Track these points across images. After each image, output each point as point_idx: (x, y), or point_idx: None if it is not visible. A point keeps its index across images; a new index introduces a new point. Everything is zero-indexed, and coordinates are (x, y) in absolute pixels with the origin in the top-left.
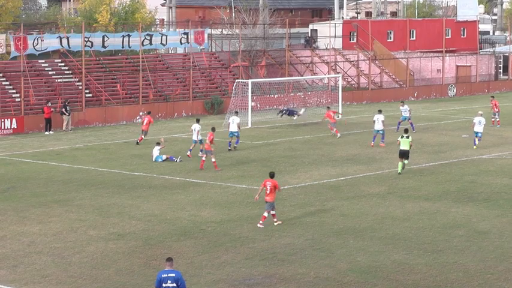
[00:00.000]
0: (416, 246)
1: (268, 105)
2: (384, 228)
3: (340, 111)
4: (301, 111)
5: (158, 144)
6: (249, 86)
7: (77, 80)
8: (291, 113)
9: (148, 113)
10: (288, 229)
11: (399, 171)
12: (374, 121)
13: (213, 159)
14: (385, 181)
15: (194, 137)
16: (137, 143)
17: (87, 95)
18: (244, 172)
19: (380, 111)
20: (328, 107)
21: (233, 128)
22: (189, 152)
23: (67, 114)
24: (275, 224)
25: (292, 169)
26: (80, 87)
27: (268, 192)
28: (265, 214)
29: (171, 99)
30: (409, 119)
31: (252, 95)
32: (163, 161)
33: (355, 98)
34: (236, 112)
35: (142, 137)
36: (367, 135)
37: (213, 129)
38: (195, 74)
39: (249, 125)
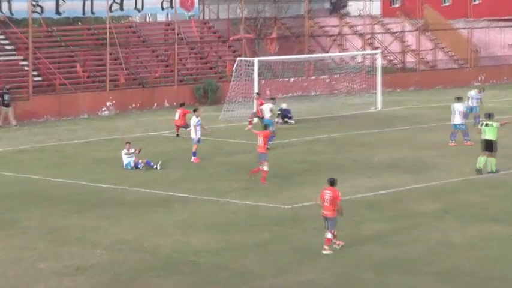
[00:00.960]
0: (482, 282)
1: (281, 93)
2: (439, 259)
3: (377, 102)
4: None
5: (129, 143)
6: (255, 66)
7: (22, 58)
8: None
9: (181, 105)
10: (309, 261)
11: (478, 166)
12: (453, 112)
13: (266, 168)
14: (440, 196)
15: (193, 134)
16: (177, 135)
17: (35, 79)
18: (248, 183)
19: (459, 99)
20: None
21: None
22: (193, 157)
23: (7, 104)
24: (336, 246)
25: (314, 180)
26: (26, 68)
27: (327, 205)
28: (329, 235)
29: (148, 85)
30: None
31: (259, 79)
32: (137, 168)
33: (399, 83)
34: (273, 99)
35: (178, 133)
36: (414, 133)
37: (267, 126)
38: (182, 51)
39: (255, 120)
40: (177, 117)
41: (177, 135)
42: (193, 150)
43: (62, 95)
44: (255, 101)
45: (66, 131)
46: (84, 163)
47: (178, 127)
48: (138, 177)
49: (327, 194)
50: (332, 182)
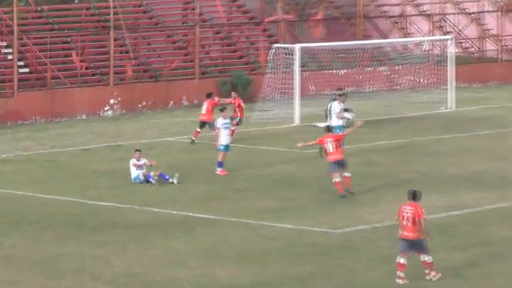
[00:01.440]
0: None
1: (328, 88)
2: None
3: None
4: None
5: (138, 151)
6: (295, 55)
7: (5, 44)
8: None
9: (209, 95)
10: None
11: None
12: None
13: (348, 174)
14: None
15: (223, 140)
16: (192, 142)
17: (21, 70)
18: (288, 202)
19: None
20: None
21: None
22: (219, 169)
23: None
24: (431, 278)
25: (371, 197)
26: (10, 57)
27: (408, 224)
28: (402, 260)
29: (163, 78)
30: None
31: (301, 70)
32: (148, 182)
33: (476, 76)
34: (343, 93)
35: (199, 130)
36: (496, 140)
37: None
38: (205, 35)
39: (296, 122)
40: (203, 111)
41: (193, 141)
42: (219, 159)
43: (55, 90)
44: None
45: (59, 136)
46: (81, 176)
47: (202, 124)
48: (149, 193)
49: (408, 211)
50: (414, 196)
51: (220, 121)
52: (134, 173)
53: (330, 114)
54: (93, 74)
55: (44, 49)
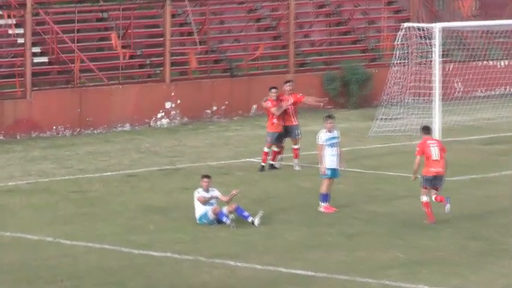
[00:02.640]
0: None
1: (482, 88)
2: None
3: None
4: None
5: (207, 178)
6: (435, 39)
7: (14, 22)
8: None
9: (275, 88)
10: None
11: None
12: None
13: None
14: None
15: (328, 162)
16: (262, 168)
17: (37, 59)
18: (423, 252)
19: None
20: None
21: None
22: (323, 204)
23: None
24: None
25: None
26: (21, 41)
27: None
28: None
29: (242, 71)
30: None
31: (443, 61)
32: (221, 223)
33: None
34: None
35: (266, 151)
36: None
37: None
38: (303, 10)
39: (436, 136)
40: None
41: (263, 167)
42: (323, 191)
43: (85, 89)
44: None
45: (91, 156)
46: (123, 214)
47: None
48: (222, 239)
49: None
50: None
51: (323, 135)
52: (200, 209)
53: None
54: (141, 66)
55: (69, 29)
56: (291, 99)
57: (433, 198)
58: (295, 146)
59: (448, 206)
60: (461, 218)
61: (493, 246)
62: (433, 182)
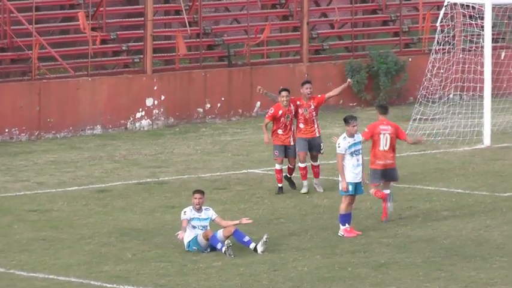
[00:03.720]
0: None
1: None
2: None
3: None
4: None
5: (199, 194)
6: (485, 19)
7: None
8: None
9: (285, 91)
10: None
11: None
12: None
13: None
14: None
15: (349, 176)
16: (280, 190)
17: None
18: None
19: None
20: None
21: None
22: (343, 227)
23: None
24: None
25: None
26: None
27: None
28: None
29: (242, 60)
30: None
31: (495, 47)
32: (215, 250)
33: None
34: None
35: (277, 168)
36: None
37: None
38: None
39: (487, 141)
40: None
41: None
42: (342, 211)
43: (46, 83)
44: None
45: (53, 165)
46: (92, 238)
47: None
48: (216, 271)
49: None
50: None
51: (343, 142)
52: (189, 233)
53: None
54: (117, 53)
55: (26, 6)
56: (312, 105)
57: (372, 192)
58: (316, 163)
59: (389, 205)
60: None
61: None
62: (385, 176)
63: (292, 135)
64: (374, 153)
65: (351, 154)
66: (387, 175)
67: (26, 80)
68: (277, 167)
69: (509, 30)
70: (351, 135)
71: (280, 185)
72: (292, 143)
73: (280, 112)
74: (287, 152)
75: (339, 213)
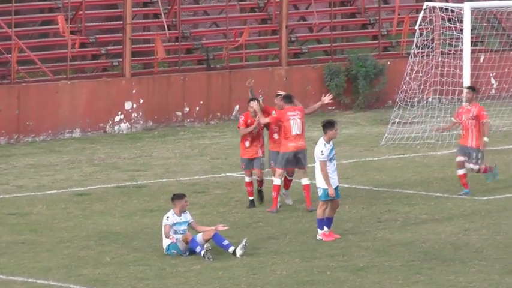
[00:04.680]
0: None
1: None
2: None
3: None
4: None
5: (178, 200)
6: (464, 22)
7: None
8: None
9: (252, 101)
10: None
11: None
12: None
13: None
14: None
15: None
16: (251, 204)
17: None
18: None
19: None
20: None
21: None
22: (321, 231)
23: None
24: None
25: None
26: None
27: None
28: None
29: (221, 64)
30: None
31: (474, 50)
32: (195, 253)
33: None
34: None
35: (247, 181)
36: None
37: None
38: None
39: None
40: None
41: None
42: (319, 215)
43: (25, 86)
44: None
45: (32, 169)
46: (71, 242)
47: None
48: (195, 275)
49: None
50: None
51: (326, 149)
52: (167, 241)
53: None
54: (96, 57)
55: (4, 9)
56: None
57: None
58: (290, 178)
59: (288, 200)
60: (495, 248)
61: None
62: (295, 160)
63: (261, 146)
64: (286, 138)
65: (330, 160)
66: (299, 157)
67: (5, 84)
68: (246, 179)
69: (488, 34)
70: (329, 141)
71: (250, 198)
72: (260, 154)
73: (249, 121)
74: (254, 163)
75: (316, 217)
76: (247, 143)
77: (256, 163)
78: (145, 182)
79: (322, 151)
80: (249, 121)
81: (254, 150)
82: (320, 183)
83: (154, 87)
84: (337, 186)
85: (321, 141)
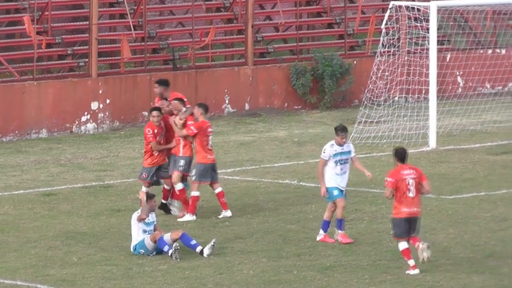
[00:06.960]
0: None
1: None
2: None
3: None
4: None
5: (149, 200)
6: (430, 21)
7: None
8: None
9: (156, 110)
10: None
11: None
12: None
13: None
14: None
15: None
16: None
17: None
18: None
19: None
20: None
21: None
22: (325, 233)
23: None
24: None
25: None
26: None
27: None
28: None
29: (188, 64)
30: None
31: (440, 49)
32: (162, 253)
33: None
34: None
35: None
36: None
37: None
38: None
39: (432, 144)
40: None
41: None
42: (327, 218)
43: None
44: None
45: None
46: (38, 242)
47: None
48: (162, 274)
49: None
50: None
51: (329, 149)
52: (138, 236)
53: None
54: (62, 57)
55: None
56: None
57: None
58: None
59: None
60: (462, 247)
61: (504, 282)
62: (210, 173)
63: (167, 153)
64: (204, 151)
65: (335, 162)
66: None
67: None
68: (144, 189)
69: (455, 32)
70: (340, 145)
71: (163, 201)
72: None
73: (156, 131)
74: (160, 172)
75: (324, 219)
76: (155, 152)
77: (165, 171)
78: (112, 182)
79: (324, 149)
80: (155, 131)
81: (162, 157)
82: (327, 183)
83: (120, 87)
84: (341, 189)
85: (331, 142)
